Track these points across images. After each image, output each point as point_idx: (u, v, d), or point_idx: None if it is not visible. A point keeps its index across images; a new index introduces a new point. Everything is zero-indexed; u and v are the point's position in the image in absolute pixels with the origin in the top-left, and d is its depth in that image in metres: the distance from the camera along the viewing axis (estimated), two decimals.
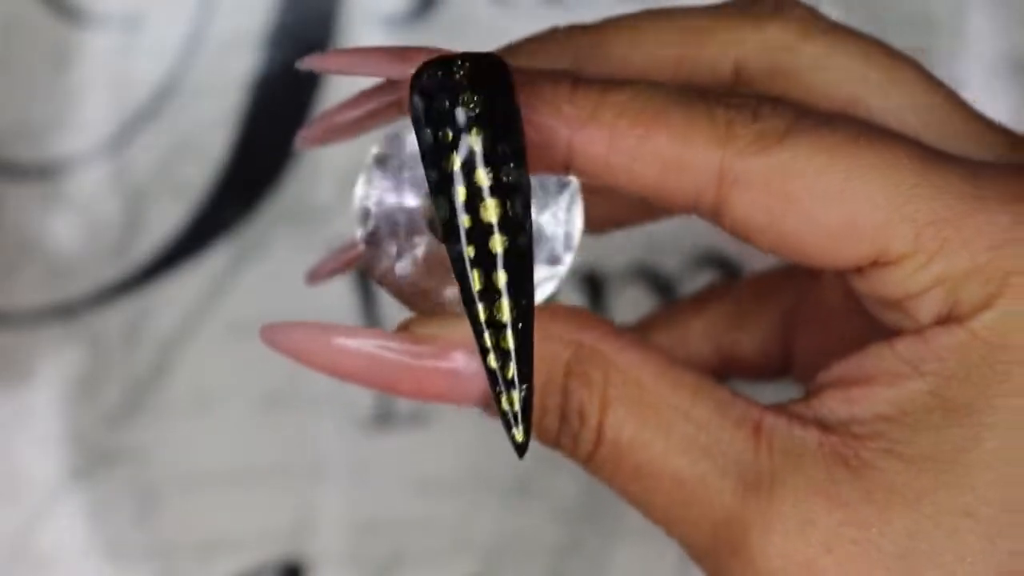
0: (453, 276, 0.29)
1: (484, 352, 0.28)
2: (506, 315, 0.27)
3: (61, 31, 0.44)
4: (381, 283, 0.31)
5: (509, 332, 0.27)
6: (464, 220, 0.27)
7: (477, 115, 0.27)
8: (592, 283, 0.46)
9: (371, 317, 0.45)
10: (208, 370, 0.45)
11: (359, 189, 0.31)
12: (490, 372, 0.28)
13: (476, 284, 0.27)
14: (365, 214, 0.31)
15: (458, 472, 0.46)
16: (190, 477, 0.45)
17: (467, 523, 0.46)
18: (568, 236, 0.31)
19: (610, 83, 0.29)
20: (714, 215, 0.29)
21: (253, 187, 0.45)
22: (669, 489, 0.29)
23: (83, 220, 0.44)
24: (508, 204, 0.27)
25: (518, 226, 0.27)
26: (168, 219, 0.45)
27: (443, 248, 0.29)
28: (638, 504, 0.30)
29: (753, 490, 0.28)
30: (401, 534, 0.46)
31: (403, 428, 0.46)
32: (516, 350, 0.27)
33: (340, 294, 0.45)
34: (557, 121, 0.29)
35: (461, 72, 0.28)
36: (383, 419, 0.46)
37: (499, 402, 0.28)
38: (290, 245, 0.45)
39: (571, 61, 0.32)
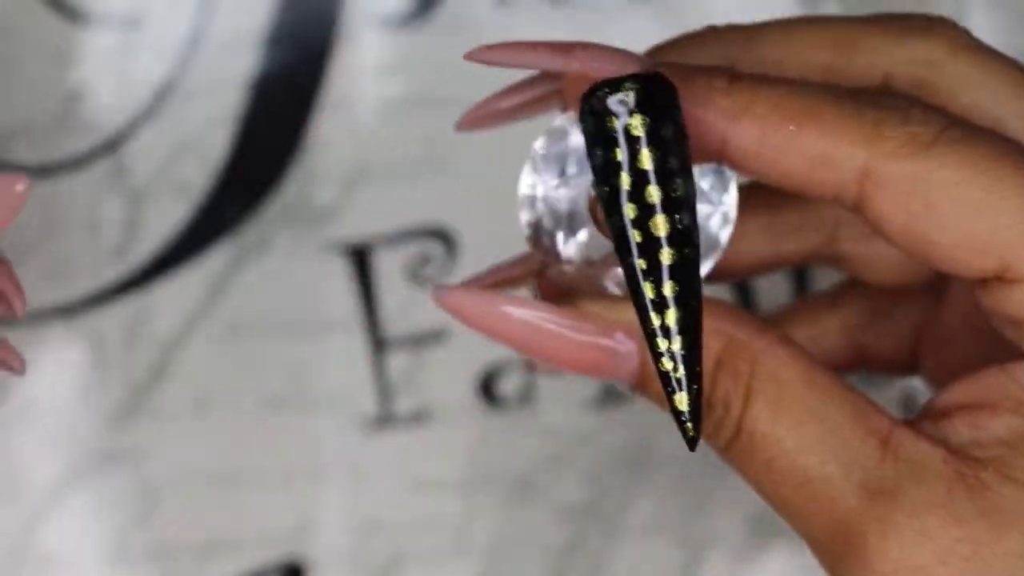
0: (613, 262, 0.32)
1: (656, 356, 0.29)
2: (674, 323, 0.29)
3: (62, 31, 0.44)
4: (545, 268, 0.33)
5: (678, 338, 0.29)
6: (635, 235, 0.29)
7: (646, 135, 0.29)
8: None
9: (371, 319, 0.45)
10: (208, 370, 0.45)
11: (524, 179, 0.33)
12: (662, 374, 0.29)
13: (649, 294, 0.29)
14: (530, 203, 0.33)
15: (458, 472, 0.46)
16: (190, 477, 0.45)
17: (468, 523, 0.46)
18: (724, 216, 0.32)
19: (764, 79, 0.31)
20: (855, 208, 0.30)
21: (253, 187, 0.45)
22: (796, 485, 0.30)
23: (83, 220, 0.44)
24: (677, 218, 0.29)
25: (686, 239, 0.29)
26: (168, 219, 0.45)
27: (603, 237, 0.32)
28: (764, 494, 0.31)
29: (876, 497, 0.30)
30: (401, 534, 0.46)
31: (403, 428, 0.46)
32: (684, 354, 0.29)
33: (340, 296, 0.45)
34: (713, 114, 0.30)
35: (630, 93, 0.29)
36: (383, 419, 0.46)
37: (671, 401, 0.29)
38: (290, 245, 0.45)
39: (724, 60, 0.33)
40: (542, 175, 0.33)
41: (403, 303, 0.46)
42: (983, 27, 0.46)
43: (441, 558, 0.46)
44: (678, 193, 0.29)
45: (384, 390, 0.46)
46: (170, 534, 0.45)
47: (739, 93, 0.30)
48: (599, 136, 0.29)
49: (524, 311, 0.32)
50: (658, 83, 0.29)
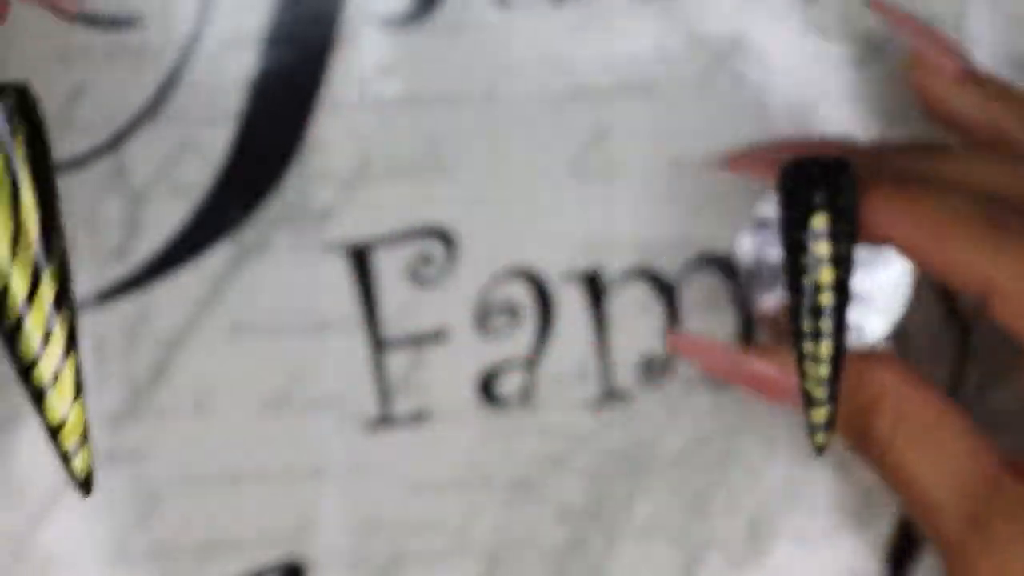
0: None
1: (803, 377, 0.36)
2: (824, 351, 0.36)
3: (62, 31, 0.44)
4: (754, 312, 0.44)
5: (824, 364, 0.36)
6: (806, 280, 0.36)
7: (824, 201, 0.36)
8: (592, 283, 0.46)
9: (371, 319, 0.45)
10: (208, 370, 0.45)
11: (745, 239, 0.43)
12: (805, 394, 0.36)
13: (806, 326, 0.36)
14: (746, 259, 0.43)
15: (458, 472, 0.46)
16: (190, 478, 0.45)
17: (468, 523, 0.46)
18: (894, 298, 0.42)
19: (920, 192, 0.39)
20: (982, 304, 0.38)
21: (253, 187, 0.45)
22: (921, 506, 0.39)
23: (83, 220, 0.44)
24: (838, 270, 0.36)
25: (842, 288, 0.36)
26: (168, 219, 0.45)
27: None
28: (904, 506, 0.40)
29: (979, 525, 0.38)
30: (402, 534, 0.46)
31: (403, 428, 0.46)
32: (828, 377, 0.36)
33: (340, 296, 0.45)
34: (879, 216, 0.39)
35: (815, 168, 0.37)
36: (383, 419, 0.46)
37: (809, 415, 0.36)
38: (290, 245, 0.45)
39: (894, 172, 0.41)
40: (758, 239, 0.42)
41: (403, 303, 0.46)
42: (984, 27, 0.47)
43: (441, 558, 0.46)
44: (843, 250, 0.36)
45: (384, 390, 0.46)
46: (170, 534, 0.45)
47: (899, 202, 0.39)
48: (789, 200, 0.37)
49: (742, 360, 0.42)
50: (838, 162, 0.37)
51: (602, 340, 0.46)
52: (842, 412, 0.38)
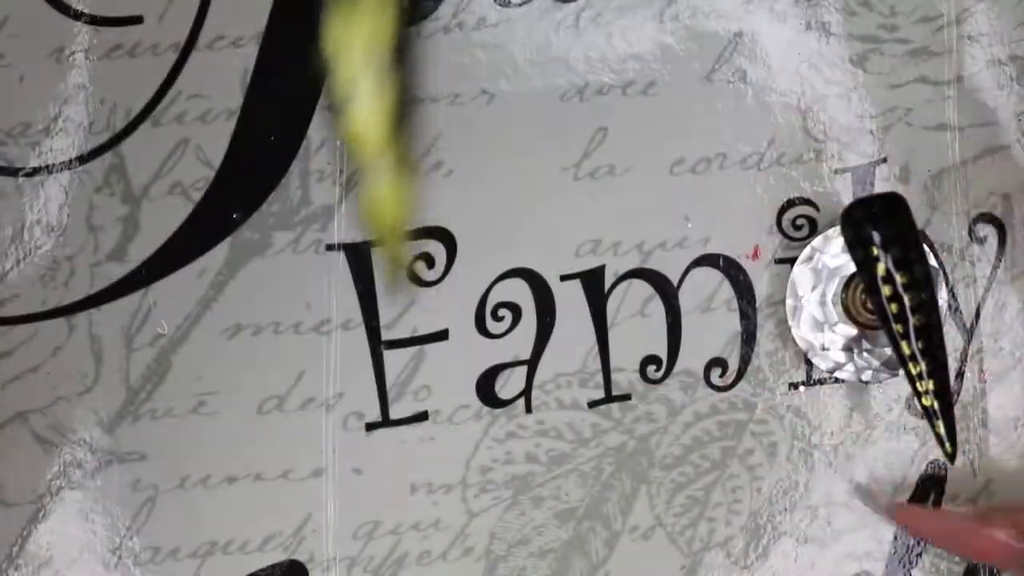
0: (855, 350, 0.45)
1: (918, 396, 0.40)
2: (925, 368, 0.40)
3: (62, 31, 0.44)
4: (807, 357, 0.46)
5: (927, 380, 0.40)
6: (892, 308, 0.40)
7: (891, 235, 0.40)
8: (592, 283, 0.46)
9: (371, 319, 0.45)
10: (208, 370, 0.45)
11: (798, 290, 0.46)
12: (924, 409, 0.40)
13: (906, 351, 0.40)
14: (796, 309, 0.46)
15: (458, 472, 0.46)
16: (189, 478, 0.45)
17: (468, 523, 0.46)
18: None
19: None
20: None
21: (253, 187, 0.45)
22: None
23: (83, 220, 0.44)
24: (919, 294, 0.39)
25: (928, 308, 0.40)
26: (168, 219, 0.45)
27: (852, 330, 0.45)
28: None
29: None
30: (401, 534, 0.46)
31: (403, 428, 0.46)
32: (935, 392, 0.40)
33: (340, 296, 0.45)
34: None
35: (876, 208, 0.40)
36: (383, 419, 0.46)
37: (933, 428, 0.40)
38: (290, 245, 0.45)
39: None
40: (803, 287, 0.45)
41: (403, 303, 0.46)
42: (986, 27, 0.47)
43: (441, 558, 0.46)
44: (918, 274, 0.39)
45: (384, 390, 0.46)
46: (169, 535, 0.45)
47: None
48: (858, 240, 0.40)
49: (973, 527, 0.44)
50: (895, 199, 0.40)
51: (602, 340, 0.46)
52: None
